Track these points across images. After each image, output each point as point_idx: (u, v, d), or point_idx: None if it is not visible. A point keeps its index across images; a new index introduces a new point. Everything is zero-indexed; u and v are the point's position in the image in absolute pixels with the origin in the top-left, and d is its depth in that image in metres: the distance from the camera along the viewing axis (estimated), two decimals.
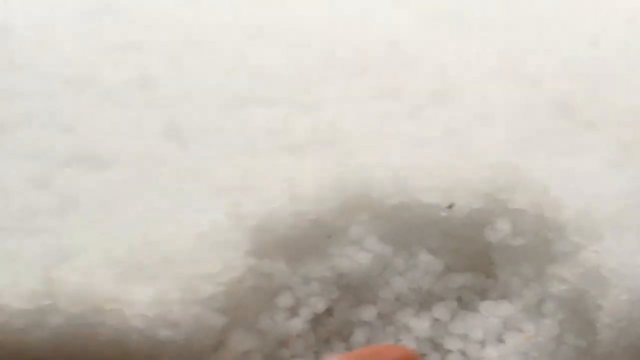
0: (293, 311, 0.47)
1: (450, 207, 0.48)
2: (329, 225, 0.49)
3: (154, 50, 0.78)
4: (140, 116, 0.66)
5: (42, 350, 0.44)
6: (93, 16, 0.87)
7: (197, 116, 0.66)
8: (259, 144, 0.61)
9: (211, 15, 0.85)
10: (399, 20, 0.81)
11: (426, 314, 0.48)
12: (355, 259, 0.48)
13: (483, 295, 0.48)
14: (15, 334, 0.43)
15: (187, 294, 0.45)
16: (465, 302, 0.48)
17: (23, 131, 0.65)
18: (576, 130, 0.62)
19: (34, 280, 0.45)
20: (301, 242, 0.48)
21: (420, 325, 0.47)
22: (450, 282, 0.48)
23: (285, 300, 0.47)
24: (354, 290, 0.48)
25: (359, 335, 0.47)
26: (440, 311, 0.48)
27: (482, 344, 0.46)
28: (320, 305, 0.47)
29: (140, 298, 0.44)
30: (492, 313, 0.47)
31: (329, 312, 0.48)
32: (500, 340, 0.46)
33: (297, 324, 0.47)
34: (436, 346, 0.47)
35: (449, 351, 0.47)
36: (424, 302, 0.48)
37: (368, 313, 0.48)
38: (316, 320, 0.47)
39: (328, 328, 0.48)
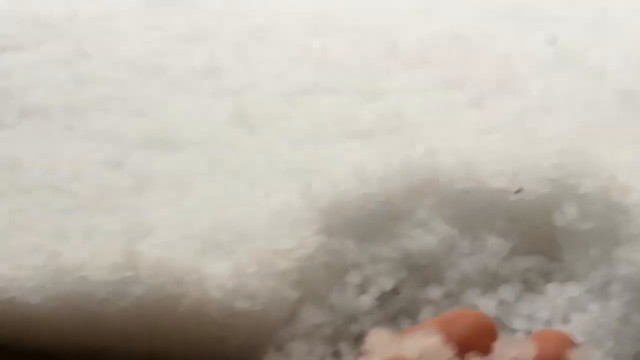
0: (362, 288, 0.48)
1: (518, 191, 0.48)
2: (396, 207, 0.50)
3: (218, 41, 0.80)
4: (208, 103, 0.68)
5: (124, 320, 0.44)
6: (157, 7, 0.89)
7: (263, 104, 0.67)
8: (325, 130, 0.62)
9: (274, 6, 0.86)
10: (462, 13, 0.82)
11: (492, 295, 0.48)
12: (422, 240, 0.49)
13: (549, 277, 0.48)
14: (98, 304, 0.44)
15: (262, 267, 0.46)
16: (531, 284, 0.48)
17: (95, 114, 0.66)
18: None
19: (116, 254, 0.45)
20: (369, 222, 0.49)
21: (487, 305, 0.47)
22: (516, 265, 0.49)
23: (354, 277, 0.48)
24: (420, 270, 0.49)
25: (426, 314, 0.48)
26: (506, 292, 0.48)
27: (548, 323, 0.47)
28: (388, 284, 0.48)
29: (218, 271, 0.45)
30: (558, 295, 0.47)
31: (395, 290, 0.48)
32: (565, 320, 0.46)
33: (366, 301, 0.47)
34: (503, 325, 0.47)
35: (515, 330, 0.47)
36: (490, 283, 0.48)
37: (435, 292, 0.48)
38: (384, 298, 0.48)
39: (395, 306, 0.48)
